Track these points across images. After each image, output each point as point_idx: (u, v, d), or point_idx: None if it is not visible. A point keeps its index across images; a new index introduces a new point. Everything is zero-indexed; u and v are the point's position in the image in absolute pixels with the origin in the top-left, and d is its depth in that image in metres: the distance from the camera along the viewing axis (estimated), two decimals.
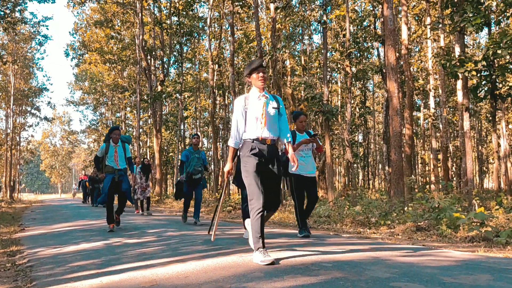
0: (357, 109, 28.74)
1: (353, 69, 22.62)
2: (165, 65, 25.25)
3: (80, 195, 36.13)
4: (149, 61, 24.79)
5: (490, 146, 30.66)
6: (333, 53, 26.15)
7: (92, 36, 32.38)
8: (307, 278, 3.15)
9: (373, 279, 3.08)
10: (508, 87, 12.67)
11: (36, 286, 3.37)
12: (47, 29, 43.02)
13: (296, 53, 27.51)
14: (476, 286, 2.87)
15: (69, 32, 39.54)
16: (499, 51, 10.25)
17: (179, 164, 10.30)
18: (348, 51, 17.93)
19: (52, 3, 22.65)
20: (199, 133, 10.31)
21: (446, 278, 3.11)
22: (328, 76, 20.96)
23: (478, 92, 11.59)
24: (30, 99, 39.06)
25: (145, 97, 25.10)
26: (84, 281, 3.37)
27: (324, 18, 16.36)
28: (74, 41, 35.15)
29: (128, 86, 33.62)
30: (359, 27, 23.80)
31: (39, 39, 33.89)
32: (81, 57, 35.84)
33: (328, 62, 21.74)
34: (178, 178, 9.29)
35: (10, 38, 32.10)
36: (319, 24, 18.47)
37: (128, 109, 38.55)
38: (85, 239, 6.32)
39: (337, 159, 36.60)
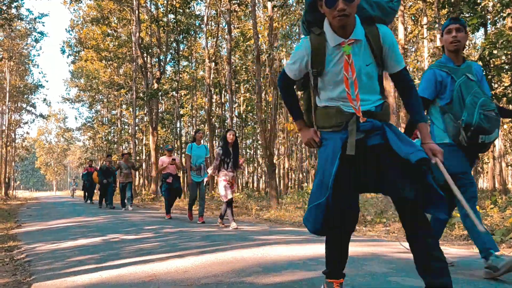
0: None
1: None
2: (162, 63, 25.19)
3: (80, 193, 32.89)
4: (145, 58, 24.75)
5: None
6: None
7: (88, 33, 32.28)
8: (305, 273, 3.19)
9: (370, 274, 3.12)
10: (503, 87, 12.75)
11: (36, 280, 3.37)
12: (43, 25, 42.89)
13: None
14: (472, 281, 2.91)
15: (65, 29, 39.46)
16: (495, 51, 10.31)
17: None
18: None
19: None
20: None
21: None
22: None
23: None
24: (25, 96, 38.96)
25: (141, 95, 25.05)
26: (84, 275, 3.39)
27: None
28: (70, 38, 35.12)
29: (124, 84, 33.51)
30: None
31: (35, 35, 33.86)
32: (77, 54, 35.78)
33: None
34: None
35: (6, 35, 31.96)
36: None
37: (124, 106, 38.39)
38: (83, 235, 6.33)
39: None
